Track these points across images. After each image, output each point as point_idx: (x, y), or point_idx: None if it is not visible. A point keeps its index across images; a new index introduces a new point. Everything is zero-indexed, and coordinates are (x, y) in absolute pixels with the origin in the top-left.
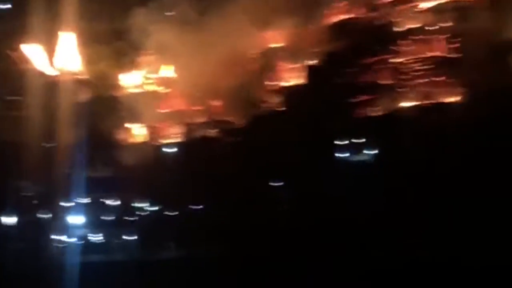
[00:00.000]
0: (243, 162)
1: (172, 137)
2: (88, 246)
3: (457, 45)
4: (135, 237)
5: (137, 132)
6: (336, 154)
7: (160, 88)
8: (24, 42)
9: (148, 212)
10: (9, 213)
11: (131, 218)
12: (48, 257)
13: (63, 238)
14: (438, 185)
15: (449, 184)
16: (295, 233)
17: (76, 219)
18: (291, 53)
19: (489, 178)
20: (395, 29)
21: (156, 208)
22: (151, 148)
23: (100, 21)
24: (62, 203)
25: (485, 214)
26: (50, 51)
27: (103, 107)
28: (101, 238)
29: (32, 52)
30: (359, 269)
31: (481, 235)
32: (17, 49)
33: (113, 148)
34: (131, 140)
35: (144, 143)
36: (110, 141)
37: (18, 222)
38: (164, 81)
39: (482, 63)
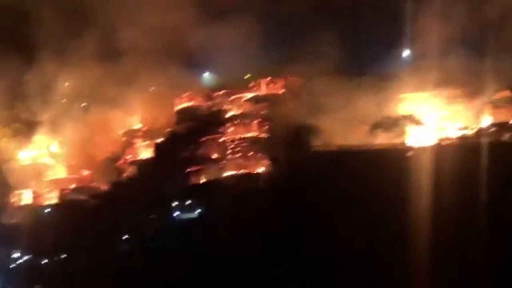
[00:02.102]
0: (104, 220)
1: (51, 200)
2: None
3: (266, 127)
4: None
5: (25, 196)
6: (174, 213)
7: (46, 160)
8: None
9: (22, 261)
10: None
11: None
12: None
13: None
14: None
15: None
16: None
17: None
18: (146, 133)
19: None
20: (223, 115)
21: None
22: (33, 209)
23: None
24: None
25: None
26: None
27: (1, 176)
28: None
29: None
30: None
31: None
32: None
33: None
34: (18, 203)
35: (28, 205)
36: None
37: None
38: (50, 155)
39: (283, 141)
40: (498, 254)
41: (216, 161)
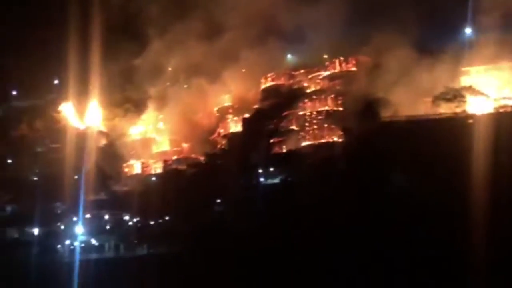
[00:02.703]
0: (201, 186)
1: (156, 169)
2: (89, 248)
3: (340, 101)
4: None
5: (135, 166)
6: (260, 179)
7: (153, 135)
8: (64, 106)
9: (132, 223)
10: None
11: (123, 227)
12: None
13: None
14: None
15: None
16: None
17: (81, 229)
18: (236, 109)
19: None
20: (302, 91)
21: (137, 219)
22: (141, 178)
23: (113, 92)
24: (74, 218)
25: None
26: (81, 113)
27: (115, 150)
28: (99, 241)
29: (69, 113)
30: None
31: None
32: (59, 111)
33: (117, 178)
34: (130, 172)
35: (137, 174)
36: (116, 174)
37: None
38: (156, 131)
39: (356, 115)
40: None
41: (296, 132)
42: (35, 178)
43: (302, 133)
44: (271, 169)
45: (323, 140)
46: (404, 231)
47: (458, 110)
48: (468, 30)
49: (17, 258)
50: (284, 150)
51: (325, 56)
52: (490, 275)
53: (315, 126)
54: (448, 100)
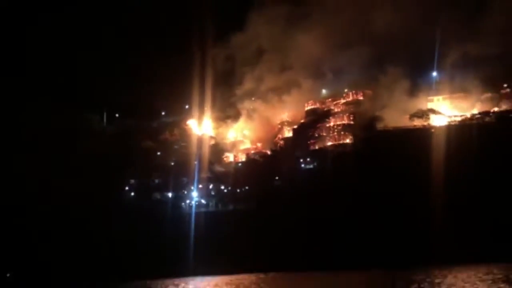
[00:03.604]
0: (267, 169)
1: (242, 158)
2: (199, 205)
3: (351, 118)
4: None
5: (229, 156)
6: (301, 165)
7: (241, 138)
8: (190, 121)
9: (226, 191)
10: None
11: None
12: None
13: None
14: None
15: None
16: None
17: (196, 194)
18: (289, 123)
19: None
20: (329, 112)
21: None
22: (233, 163)
23: (218, 111)
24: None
25: None
26: (200, 125)
27: (218, 147)
28: (206, 201)
29: (193, 125)
30: None
31: None
32: (187, 124)
33: (218, 164)
34: (227, 160)
35: (231, 161)
36: (218, 161)
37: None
38: (243, 136)
39: (361, 127)
40: None
41: (324, 137)
42: (172, 164)
43: (327, 138)
44: (308, 159)
45: (340, 142)
46: (395, 196)
47: (425, 123)
48: (434, 73)
49: (159, 210)
50: (316, 148)
51: (346, 90)
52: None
53: (336, 133)
54: (419, 117)
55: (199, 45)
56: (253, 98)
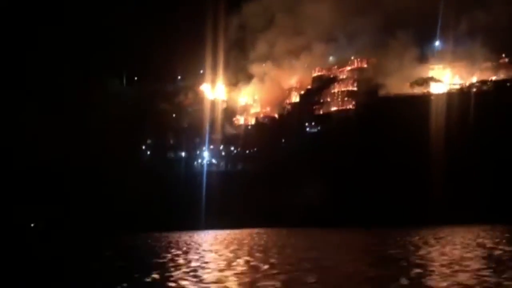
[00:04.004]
0: (274, 132)
1: (251, 121)
2: (210, 164)
3: (355, 85)
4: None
5: (240, 119)
6: (307, 129)
7: (251, 103)
8: (204, 85)
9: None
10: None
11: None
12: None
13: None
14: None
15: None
16: None
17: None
18: (297, 88)
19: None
20: (335, 78)
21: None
22: (243, 126)
23: (230, 76)
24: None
25: None
26: (213, 89)
27: (230, 110)
28: (216, 161)
29: (206, 89)
30: None
31: None
32: (201, 88)
33: (230, 126)
34: (237, 122)
35: (241, 124)
36: (230, 123)
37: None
38: (253, 100)
39: (364, 93)
40: None
41: (328, 102)
42: (186, 125)
43: (332, 103)
44: (313, 123)
45: (343, 107)
46: (393, 159)
47: (425, 91)
48: (436, 43)
49: (172, 168)
50: (321, 112)
51: (352, 57)
52: None
53: (339, 99)
54: (420, 84)
55: (213, 12)
56: (264, 64)
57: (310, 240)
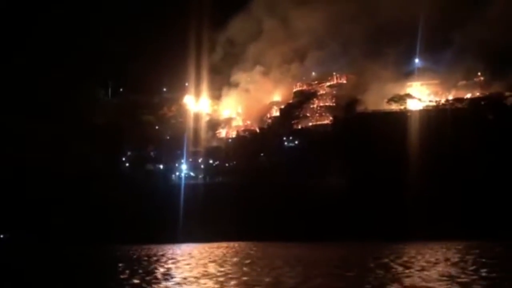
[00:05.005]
0: (254, 145)
1: (232, 135)
2: (188, 177)
3: (334, 101)
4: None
5: (221, 133)
6: (285, 143)
7: (234, 116)
8: (187, 98)
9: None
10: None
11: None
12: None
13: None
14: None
15: None
16: None
17: (185, 166)
18: (278, 103)
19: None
20: (315, 93)
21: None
22: (224, 139)
23: (213, 90)
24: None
25: None
26: (196, 102)
27: (213, 123)
28: (194, 174)
29: (190, 102)
30: None
31: None
32: (182, 102)
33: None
34: (219, 136)
35: (222, 137)
36: (212, 136)
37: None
38: (236, 113)
39: (342, 108)
40: None
41: (308, 117)
42: (168, 137)
43: (311, 118)
44: (291, 138)
45: (322, 122)
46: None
47: (402, 107)
48: (416, 61)
49: (150, 181)
50: (299, 127)
51: (334, 73)
52: None
53: (318, 114)
54: (396, 101)
55: (198, 26)
56: (247, 77)
57: (278, 255)
